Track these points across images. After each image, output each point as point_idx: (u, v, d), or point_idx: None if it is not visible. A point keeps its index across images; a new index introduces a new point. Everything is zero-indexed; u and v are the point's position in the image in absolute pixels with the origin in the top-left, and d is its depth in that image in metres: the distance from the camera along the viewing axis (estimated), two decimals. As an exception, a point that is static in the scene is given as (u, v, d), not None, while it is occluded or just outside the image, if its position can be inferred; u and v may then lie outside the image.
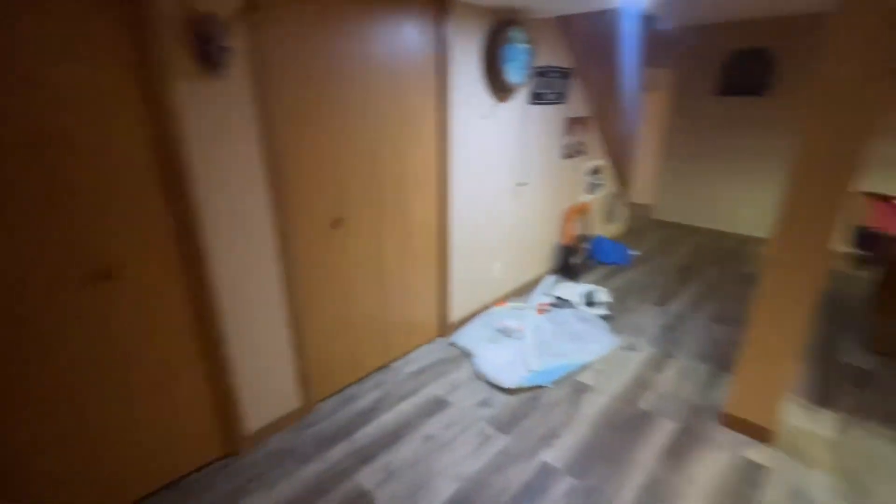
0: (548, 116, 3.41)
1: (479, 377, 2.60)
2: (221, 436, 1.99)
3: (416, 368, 2.69)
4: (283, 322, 2.07)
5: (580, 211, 4.19)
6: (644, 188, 6.05)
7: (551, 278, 3.92)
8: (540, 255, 3.87)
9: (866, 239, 3.87)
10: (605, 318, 3.26)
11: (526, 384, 2.49)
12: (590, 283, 3.84)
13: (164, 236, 1.63)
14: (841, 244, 4.09)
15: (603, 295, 3.51)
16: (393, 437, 2.15)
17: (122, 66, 1.44)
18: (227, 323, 1.86)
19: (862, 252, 4.06)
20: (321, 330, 2.27)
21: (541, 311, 3.30)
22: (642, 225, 5.61)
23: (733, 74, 4.77)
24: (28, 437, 1.47)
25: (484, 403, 2.39)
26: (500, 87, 2.81)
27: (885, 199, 3.87)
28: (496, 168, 3.04)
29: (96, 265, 1.50)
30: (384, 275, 2.51)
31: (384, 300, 2.56)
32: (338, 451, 2.06)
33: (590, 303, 3.41)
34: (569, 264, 3.99)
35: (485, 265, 3.22)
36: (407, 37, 2.24)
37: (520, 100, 3.06)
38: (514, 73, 2.77)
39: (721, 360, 2.76)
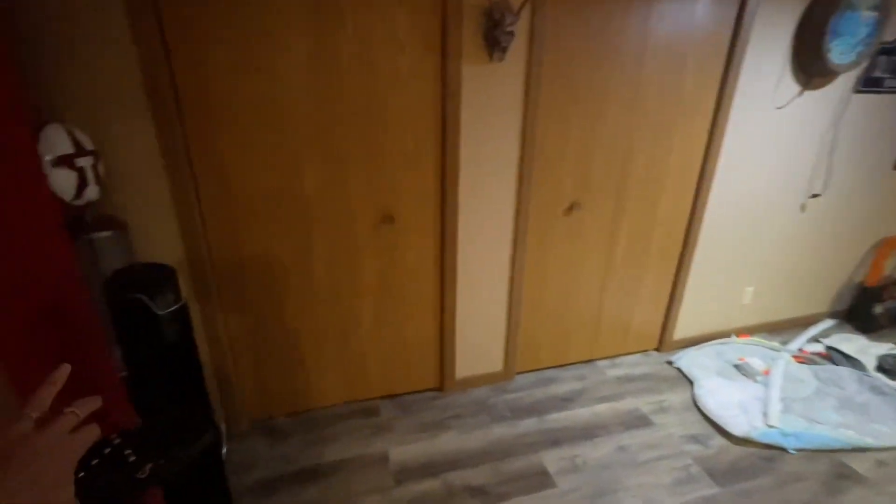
0: (882, 110, 2.51)
1: (697, 409, 2.25)
2: (437, 371, 2.33)
3: (622, 374, 2.52)
4: (504, 291, 2.23)
5: (905, 244, 3.02)
6: None
7: (829, 323, 3.01)
8: (819, 290, 3.00)
9: None
10: (911, 397, 2.33)
11: (759, 439, 2.03)
12: (894, 343, 2.78)
13: (432, 194, 1.96)
14: None
15: (916, 366, 2.50)
16: (584, 432, 2.10)
17: (430, 53, 1.73)
18: (461, 277, 2.13)
19: None
20: (535, 307, 2.35)
21: (801, 359, 2.60)
22: None
23: None
24: (322, 326, 2.04)
25: (696, 439, 2.07)
26: (815, 71, 2.20)
27: None
28: (781, 171, 2.45)
29: (385, 211, 1.92)
30: (610, 270, 2.39)
31: (603, 296, 2.45)
32: (528, 425, 2.14)
33: (886, 369, 2.49)
34: (867, 312, 2.96)
35: (733, 286, 2.70)
36: (699, 11, 1.97)
37: (839, 86, 2.34)
38: (843, 51, 2.12)
39: None
